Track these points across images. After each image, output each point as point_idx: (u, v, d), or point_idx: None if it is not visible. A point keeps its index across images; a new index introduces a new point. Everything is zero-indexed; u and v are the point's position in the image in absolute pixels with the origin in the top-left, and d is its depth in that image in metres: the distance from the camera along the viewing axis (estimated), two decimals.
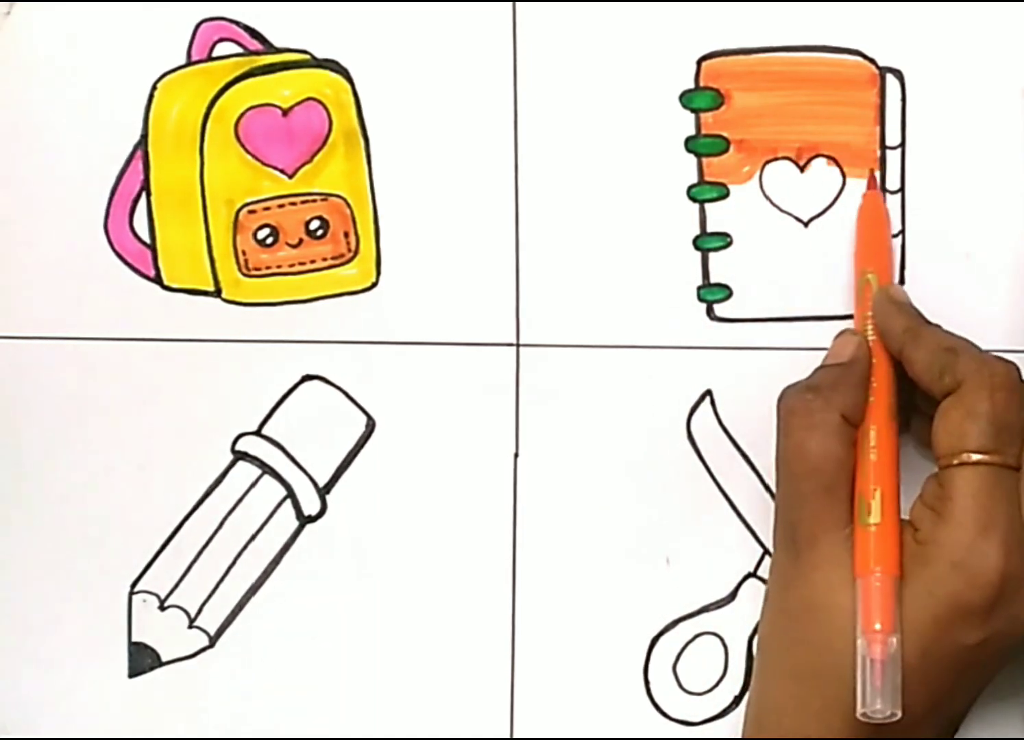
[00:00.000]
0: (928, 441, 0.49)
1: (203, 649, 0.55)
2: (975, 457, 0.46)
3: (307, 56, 0.54)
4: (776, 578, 0.49)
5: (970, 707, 0.49)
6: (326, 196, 0.54)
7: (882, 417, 0.48)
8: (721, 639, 0.54)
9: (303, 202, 0.54)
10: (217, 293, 0.54)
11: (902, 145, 0.52)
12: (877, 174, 0.52)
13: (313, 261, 0.54)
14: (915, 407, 0.50)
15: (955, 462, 0.46)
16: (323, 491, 0.55)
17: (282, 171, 0.54)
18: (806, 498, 0.47)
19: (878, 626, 0.45)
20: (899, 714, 0.45)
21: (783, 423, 0.48)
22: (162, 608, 0.55)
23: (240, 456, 0.55)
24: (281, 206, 0.54)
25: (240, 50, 0.54)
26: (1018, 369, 0.47)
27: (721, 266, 0.53)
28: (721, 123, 0.53)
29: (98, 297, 0.54)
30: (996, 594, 0.45)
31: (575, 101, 0.53)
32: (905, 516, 0.48)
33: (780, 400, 0.49)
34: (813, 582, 0.47)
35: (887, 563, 0.46)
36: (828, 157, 0.52)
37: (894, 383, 0.49)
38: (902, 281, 0.53)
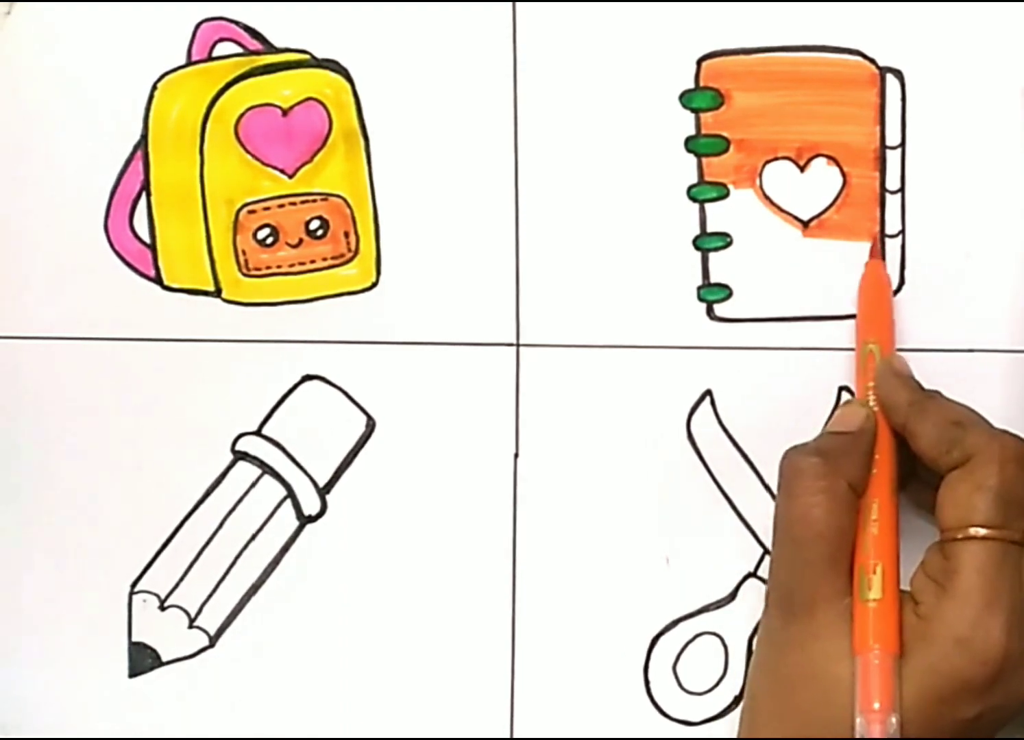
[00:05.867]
0: (926, 505, 0.48)
1: (203, 649, 0.55)
2: (983, 532, 0.45)
3: (307, 56, 0.54)
4: (768, 640, 0.48)
5: None
6: (326, 196, 0.54)
7: (885, 490, 0.48)
8: (721, 639, 0.54)
9: (303, 202, 0.54)
10: (217, 293, 0.54)
11: (902, 145, 0.52)
12: (880, 242, 0.52)
13: (313, 261, 0.54)
14: (913, 473, 0.49)
15: (961, 536, 0.45)
16: (323, 491, 0.55)
17: (282, 171, 0.54)
18: (808, 565, 0.47)
19: (877, 705, 0.45)
20: None
21: (787, 484, 0.48)
22: (162, 608, 0.55)
23: (240, 456, 0.55)
24: (281, 206, 0.54)
25: (240, 50, 0.54)
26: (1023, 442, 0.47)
27: (721, 266, 0.53)
28: (721, 123, 0.53)
29: (98, 297, 0.54)
30: (998, 671, 0.44)
31: (575, 101, 0.53)
32: (904, 585, 0.47)
33: (785, 459, 0.48)
34: (811, 651, 0.46)
35: (887, 641, 0.45)
36: (828, 157, 0.52)
37: (896, 455, 0.49)
38: (902, 282, 0.53)
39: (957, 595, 0.45)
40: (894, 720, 0.45)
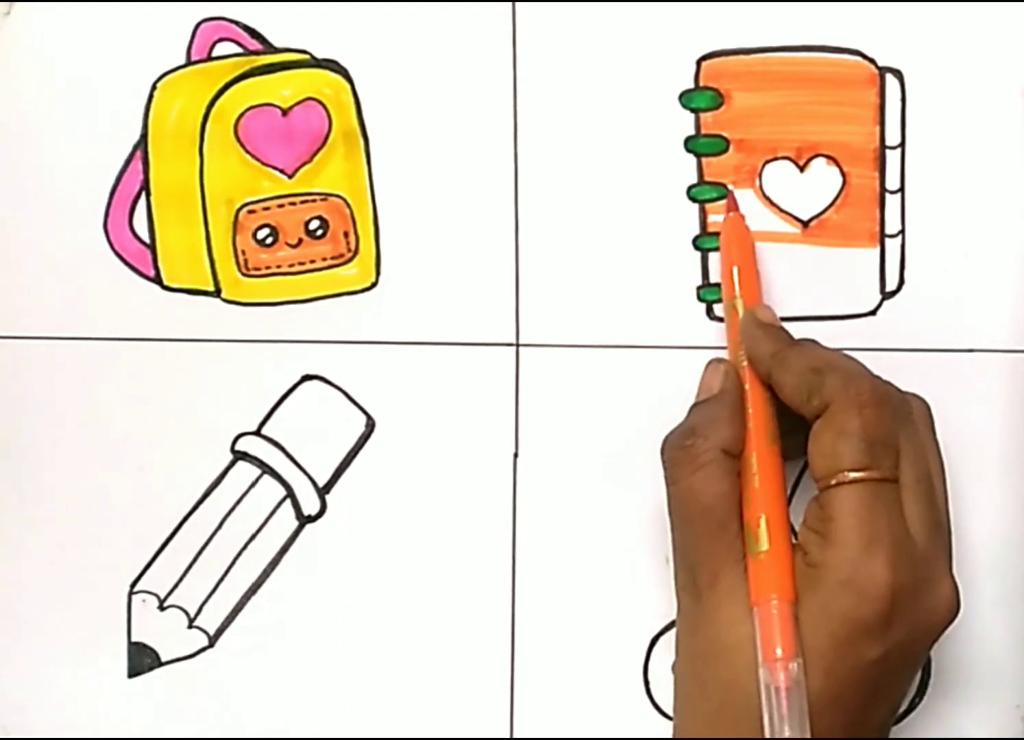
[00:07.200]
0: None
1: (203, 649, 0.55)
2: (852, 475, 0.45)
3: (307, 56, 0.54)
4: (683, 624, 0.48)
5: (891, 720, 0.48)
6: (326, 196, 0.54)
7: (762, 443, 0.48)
8: None
9: (303, 202, 0.54)
10: (217, 293, 0.54)
11: (902, 145, 0.52)
12: (735, 194, 0.52)
13: (313, 261, 0.54)
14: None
15: (833, 482, 0.45)
16: (323, 491, 0.55)
17: (282, 171, 0.54)
18: (701, 539, 0.47)
19: (779, 652, 0.45)
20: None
21: (668, 474, 0.48)
22: (162, 608, 0.55)
23: (240, 456, 0.55)
24: (281, 206, 0.54)
25: (240, 50, 0.54)
26: (885, 383, 0.47)
27: None
28: (721, 123, 0.53)
29: (98, 297, 0.54)
30: (888, 607, 0.44)
31: (575, 101, 0.53)
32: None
33: (662, 451, 0.49)
34: (717, 621, 0.46)
35: (781, 589, 0.45)
36: (828, 157, 0.52)
37: (770, 407, 0.49)
38: (901, 282, 0.53)
39: (836, 541, 0.45)
40: (795, 665, 0.44)
